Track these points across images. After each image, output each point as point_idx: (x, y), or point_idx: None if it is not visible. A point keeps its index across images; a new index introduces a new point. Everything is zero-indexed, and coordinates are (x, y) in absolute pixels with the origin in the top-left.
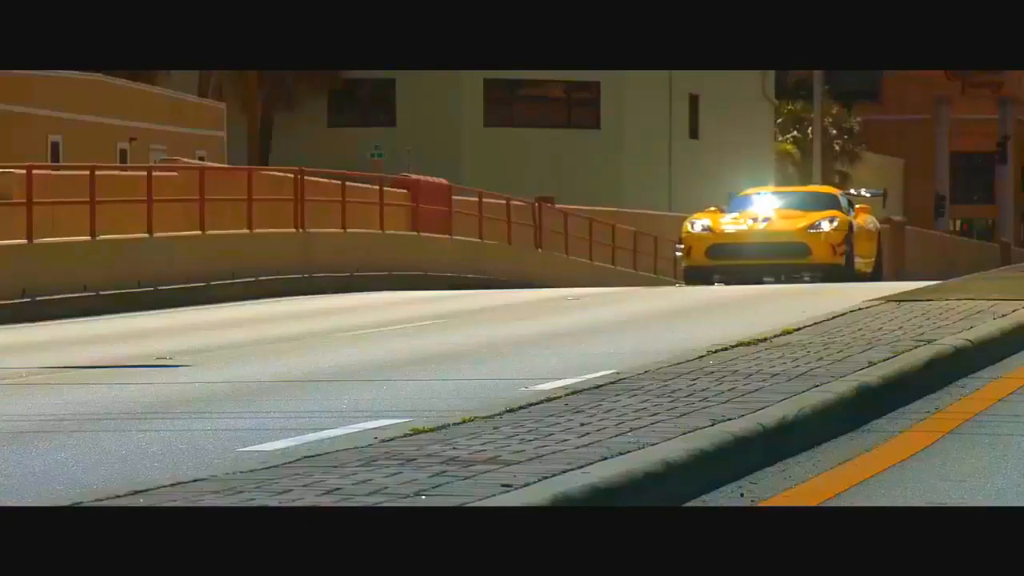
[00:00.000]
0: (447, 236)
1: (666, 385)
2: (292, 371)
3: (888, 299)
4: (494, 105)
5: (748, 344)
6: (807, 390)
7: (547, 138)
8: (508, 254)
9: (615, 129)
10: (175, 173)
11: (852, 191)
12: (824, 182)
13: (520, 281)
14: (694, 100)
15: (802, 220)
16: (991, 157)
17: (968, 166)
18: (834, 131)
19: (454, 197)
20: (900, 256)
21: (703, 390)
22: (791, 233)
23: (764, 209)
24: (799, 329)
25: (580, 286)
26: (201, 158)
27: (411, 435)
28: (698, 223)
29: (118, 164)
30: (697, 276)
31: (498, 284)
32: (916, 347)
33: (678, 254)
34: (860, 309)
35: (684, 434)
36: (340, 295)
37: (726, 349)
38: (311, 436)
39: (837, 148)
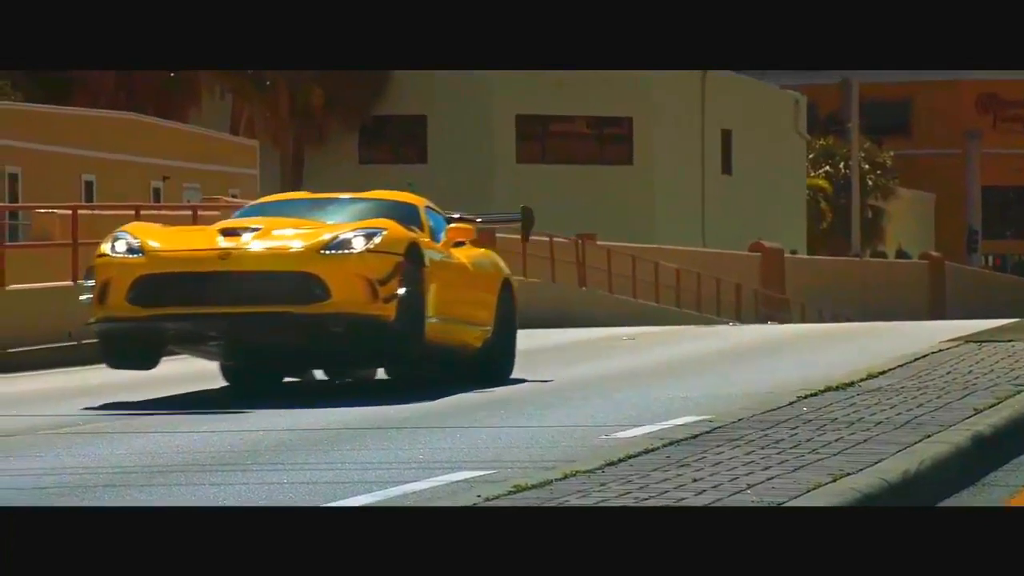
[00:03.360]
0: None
1: (766, 435)
2: (357, 417)
3: (967, 339)
4: (526, 141)
5: (837, 388)
6: (919, 441)
7: (579, 174)
8: (551, 292)
9: (647, 165)
10: (218, 212)
11: (467, 216)
12: (862, 218)
13: (564, 320)
14: (726, 135)
15: (316, 232)
16: (1023, 191)
17: (1000, 200)
18: (866, 166)
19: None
20: (940, 293)
21: (808, 440)
22: (289, 256)
23: (264, 217)
24: (885, 372)
25: (624, 325)
26: (234, 196)
27: (515, 492)
28: (124, 239)
29: (161, 203)
30: (122, 342)
31: (542, 324)
32: (1018, 392)
33: (84, 298)
34: (941, 351)
35: (808, 492)
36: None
37: (816, 394)
38: (395, 490)
39: (870, 183)
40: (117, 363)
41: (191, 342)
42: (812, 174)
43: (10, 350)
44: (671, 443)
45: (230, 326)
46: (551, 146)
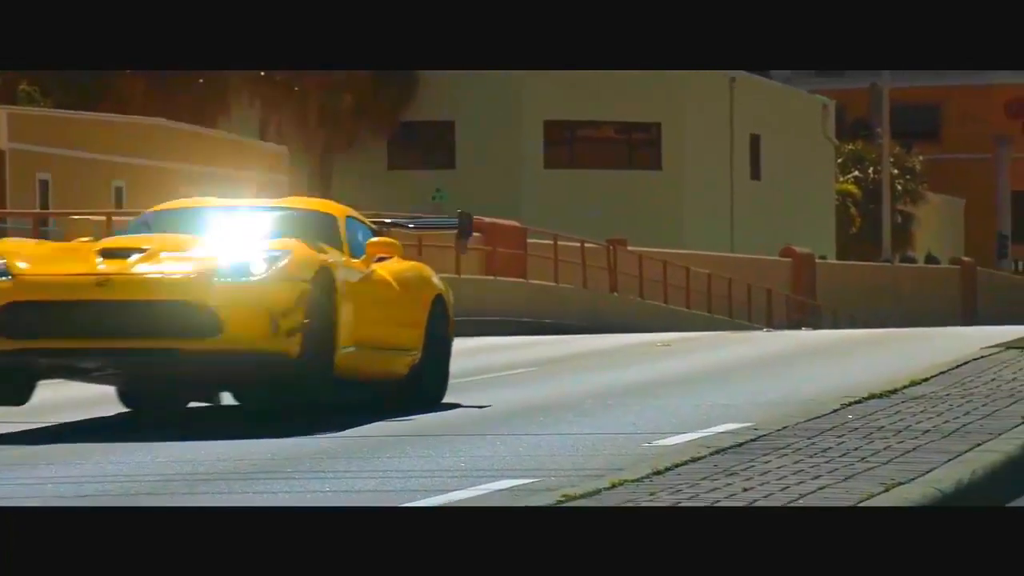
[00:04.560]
0: (522, 280)
1: (813, 443)
2: (395, 425)
3: (1009, 346)
4: (554, 146)
5: (880, 396)
6: (970, 450)
7: (608, 179)
8: (583, 298)
9: (676, 170)
10: None
11: (399, 221)
12: (891, 223)
13: (595, 326)
14: (755, 140)
15: (210, 257)
16: None
17: None
18: (895, 171)
19: (528, 240)
20: (971, 299)
21: (856, 449)
22: (175, 283)
23: (155, 236)
24: (927, 379)
25: (655, 331)
26: None
27: (564, 502)
28: None
29: None
30: None
31: (574, 329)
32: None
33: None
34: (983, 357)
35: (862, 502)
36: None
37: (859, 401)
38: (439, 499)
39: (899, 188)
40: None
41: (68, 375)
42: (841, 179)
43: None
44: (717, 451)
45: (111, 362)
46: (579, 151)
